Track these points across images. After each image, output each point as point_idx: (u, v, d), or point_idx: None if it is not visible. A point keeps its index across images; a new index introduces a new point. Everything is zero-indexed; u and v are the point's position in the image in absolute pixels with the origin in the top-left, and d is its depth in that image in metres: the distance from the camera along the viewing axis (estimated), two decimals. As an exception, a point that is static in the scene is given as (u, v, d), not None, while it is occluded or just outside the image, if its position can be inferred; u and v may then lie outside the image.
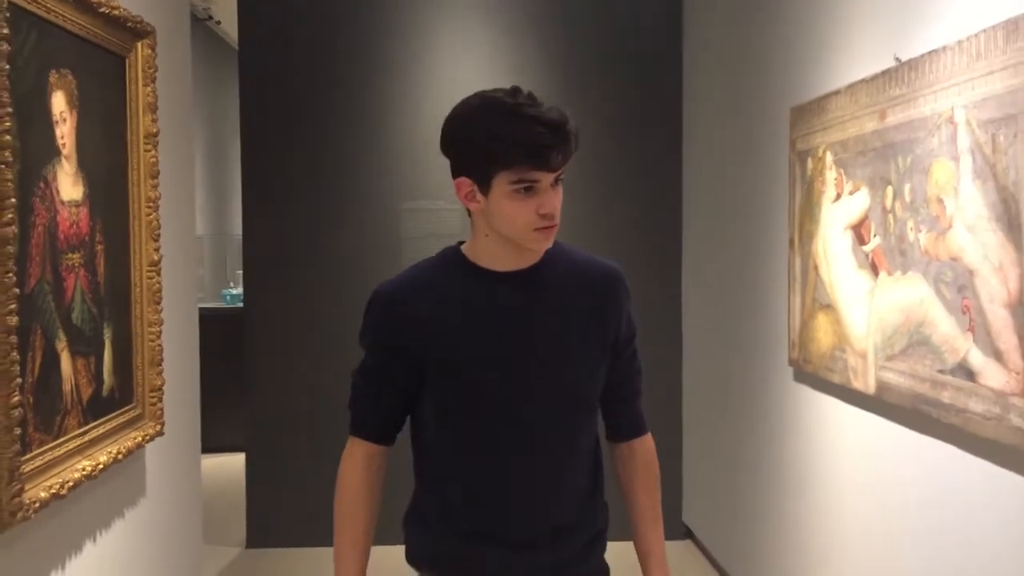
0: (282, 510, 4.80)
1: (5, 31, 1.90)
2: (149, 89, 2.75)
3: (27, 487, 2.03)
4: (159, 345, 2.82)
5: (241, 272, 7.60)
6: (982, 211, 2.11)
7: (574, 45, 4.87)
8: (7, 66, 1.91)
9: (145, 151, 2.74)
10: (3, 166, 1.89)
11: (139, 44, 2.71)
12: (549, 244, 1.67)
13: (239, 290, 7.46)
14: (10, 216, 1.92)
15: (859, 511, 2.86)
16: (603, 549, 1.80)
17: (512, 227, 1.62)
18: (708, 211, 4.52)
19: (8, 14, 1.91)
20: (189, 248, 3.33)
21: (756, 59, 3.80)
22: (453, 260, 1.72)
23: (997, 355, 2.06)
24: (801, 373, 3.27)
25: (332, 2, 4.83)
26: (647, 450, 1.85)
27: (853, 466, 2.90)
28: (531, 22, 4.87)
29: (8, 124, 1.91)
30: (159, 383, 2.82)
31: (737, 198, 4.04)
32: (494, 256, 1.68)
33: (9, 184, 1.92)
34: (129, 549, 2.75)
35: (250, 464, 4.87)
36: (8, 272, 1.93)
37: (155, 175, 2.78)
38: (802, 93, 3.23)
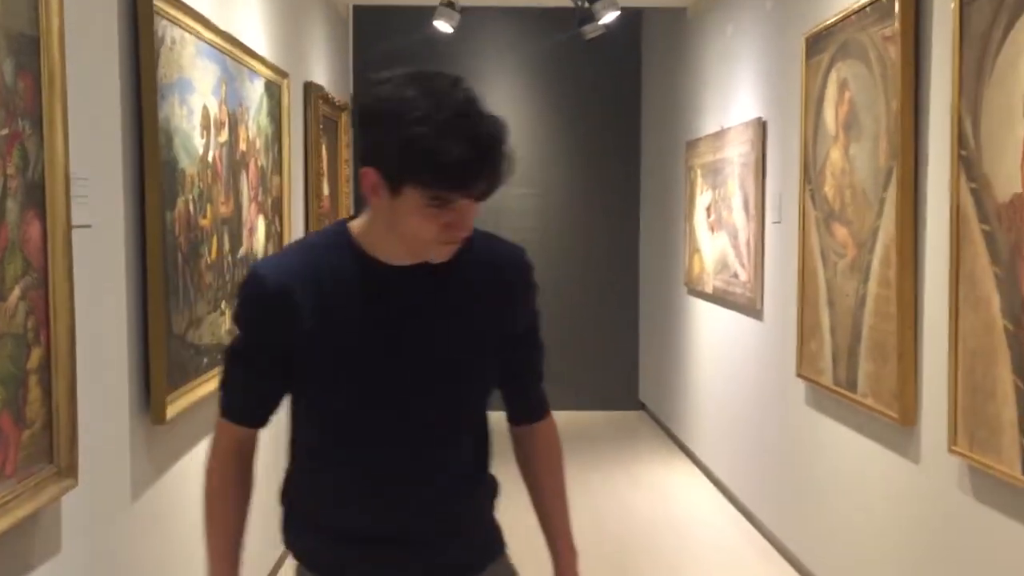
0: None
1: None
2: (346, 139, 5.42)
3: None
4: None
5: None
6: (739, 204, 4.75)
7: (565, 90, 7.46)
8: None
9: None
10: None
11: (341, 115, 5.36)
12: (448, 257, 1.49)
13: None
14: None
15: (710, 361, 5.53)
16: (500, 549, 1.71)
17: (412, 240, 1.46)
18: (651, 197, 7.17)
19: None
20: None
21: (672, 107, 6.43)
22: (344, 245, 1.53)
23: (743, 266, 4.71)
24: (689, 289, 5.93)
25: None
26: (549, 432, 1.76)
27: (710, 336, 5.56)
28: (540, 78, 7.48)
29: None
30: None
31: (665, 191, 6.69)
32: (391, 251, 1.51)
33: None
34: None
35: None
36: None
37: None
38: (690, 133, 5.85)
